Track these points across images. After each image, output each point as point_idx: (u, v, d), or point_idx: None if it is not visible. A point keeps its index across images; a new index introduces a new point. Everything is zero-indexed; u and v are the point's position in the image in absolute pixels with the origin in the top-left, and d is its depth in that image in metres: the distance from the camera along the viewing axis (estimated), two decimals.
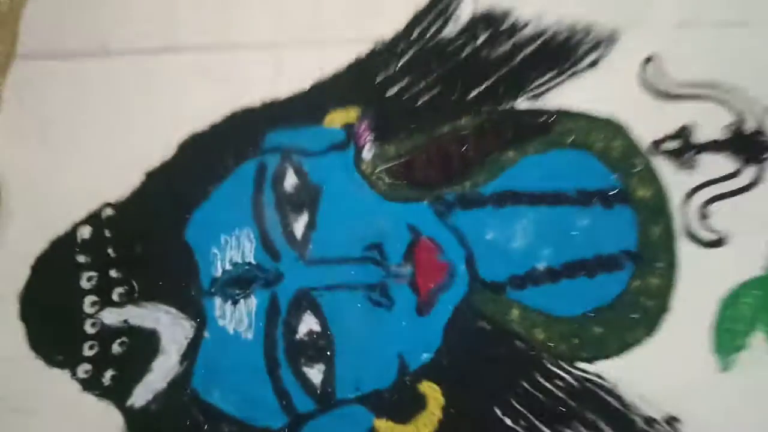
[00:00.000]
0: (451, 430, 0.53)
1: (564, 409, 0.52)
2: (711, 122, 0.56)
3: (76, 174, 0.57)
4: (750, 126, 0.56)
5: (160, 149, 0.57)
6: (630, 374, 0.53)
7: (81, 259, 0.56)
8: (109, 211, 0.57)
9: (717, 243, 0.54)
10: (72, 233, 0.56)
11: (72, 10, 0.60)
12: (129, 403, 0.54)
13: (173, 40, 0.59)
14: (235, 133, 0.57)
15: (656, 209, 0.55)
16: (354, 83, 0.58)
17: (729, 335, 0.53)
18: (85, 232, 0.56)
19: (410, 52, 0.58)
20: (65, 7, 0.60)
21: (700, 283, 0.54)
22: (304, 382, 0.53)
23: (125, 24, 0.59)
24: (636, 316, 0.53)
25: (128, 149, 0.57)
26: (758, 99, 0.56)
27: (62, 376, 0.54)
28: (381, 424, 0.53)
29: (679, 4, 0.58)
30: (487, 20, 0.58)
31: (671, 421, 0.52)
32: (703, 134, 0.56)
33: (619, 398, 0.52)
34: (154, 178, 0.57)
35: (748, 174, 0.56)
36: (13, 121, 0.59)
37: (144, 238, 0.56)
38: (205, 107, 0.57)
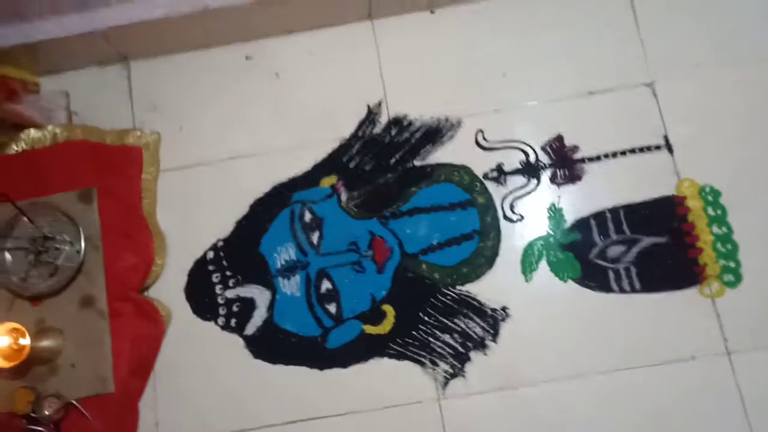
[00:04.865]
0: (400, 326, 1.09)
1: (453, 307, 1.09)
2: (512, 159, 1.13)
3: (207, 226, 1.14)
4: (532, 159, 1.12)
5: (242, 210, 1.13)
6: (482, 289, 1.09)
7: (210, 267, 1.12)
8: (220, 243, 1.13)
9: (520, 220, 1.11)
10: (204, 255, 1.13)
11: None
12: (244, 333, 1.10)
13: (237, 152, 1.15)
14: (276, 196, 1.14)
15: (488, 207, 1.11)
16: (332, 163, 1.14)
17: (527, 264, 1.09)
18: (210, 254, 1.13)
19: (359, 143, 1.14)
20: None
21: (513, 241, 1.10)
22: (327, 312, 1.09)
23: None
24: (482, 261, 1.09)
25: (229, 214, 1.14)
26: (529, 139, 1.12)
27: (210, 325, 1.11)
28: (367, 327, 1.09)
29: (491, 101, 1.14)
30: (395, 121, 1.14)
31: (504, 309, 1.08)
32: (508, 166, 1.12)
33: (477, 300, 1.08)
34: (240, 223, 1.13)
35: (532, 184, 1.11)
36: None
37: (239, 253, 1.13)
38: (262, 183, 1.14)
